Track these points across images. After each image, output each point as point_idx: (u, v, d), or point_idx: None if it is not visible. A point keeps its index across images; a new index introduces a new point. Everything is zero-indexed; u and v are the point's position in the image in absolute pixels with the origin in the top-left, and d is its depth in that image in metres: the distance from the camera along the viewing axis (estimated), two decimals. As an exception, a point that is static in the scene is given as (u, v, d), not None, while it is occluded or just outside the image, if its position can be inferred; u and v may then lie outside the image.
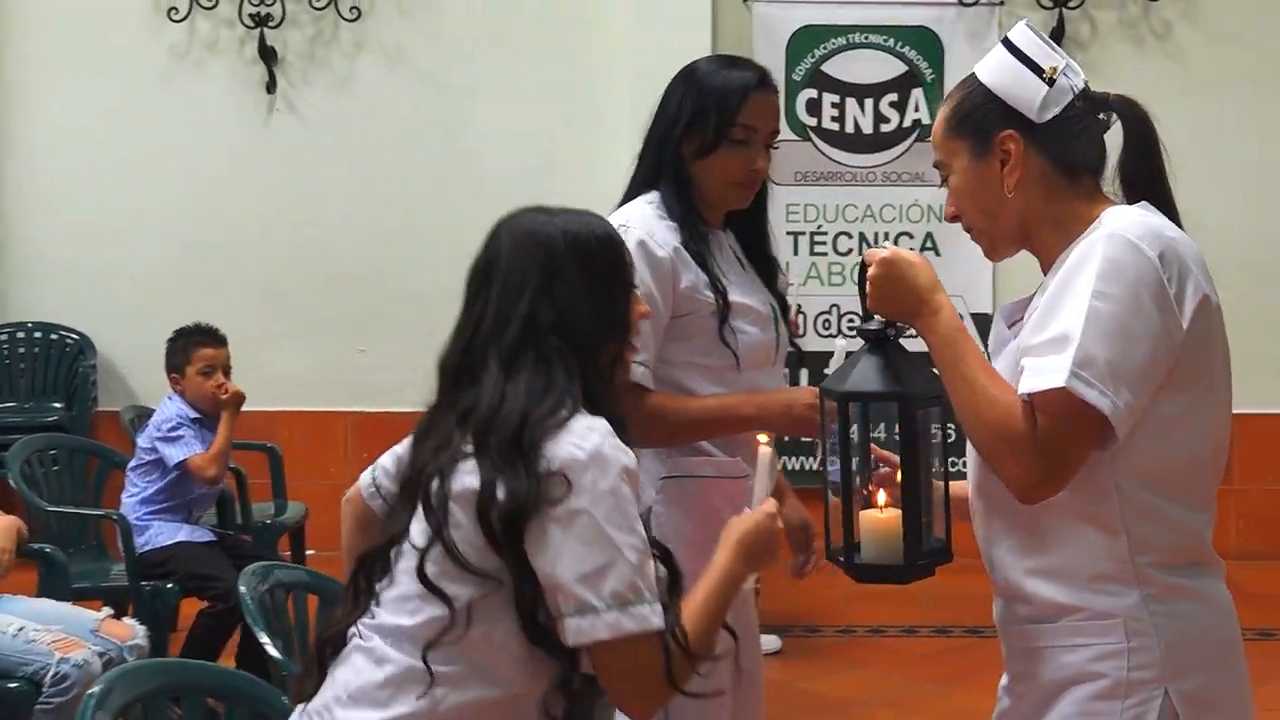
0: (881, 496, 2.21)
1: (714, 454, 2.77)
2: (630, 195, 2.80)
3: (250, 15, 6.81)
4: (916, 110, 6.68)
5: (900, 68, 6.70)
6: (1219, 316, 2.01)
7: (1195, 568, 2.02)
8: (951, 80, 6.62)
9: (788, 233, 6.74)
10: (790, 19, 6.70)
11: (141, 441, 5.00)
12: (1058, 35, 6.56)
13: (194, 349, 5.01)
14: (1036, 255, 2.13)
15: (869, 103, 6.70)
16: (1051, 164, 2.07)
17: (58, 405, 6.86)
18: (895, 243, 6.55)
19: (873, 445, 2.25)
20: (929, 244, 6.71)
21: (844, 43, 6.72)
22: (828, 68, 6.70)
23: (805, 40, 6.70)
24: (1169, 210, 2.07)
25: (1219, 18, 6.71)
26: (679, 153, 2.74)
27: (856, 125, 6.71)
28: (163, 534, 4.84)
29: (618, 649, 1.96)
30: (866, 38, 6.70)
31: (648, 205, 2.74)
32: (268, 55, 6.77)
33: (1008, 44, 2.12)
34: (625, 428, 2.06)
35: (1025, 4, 6.67)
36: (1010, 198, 2.08)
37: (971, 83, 2.14)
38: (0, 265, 7.04)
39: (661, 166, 2.76)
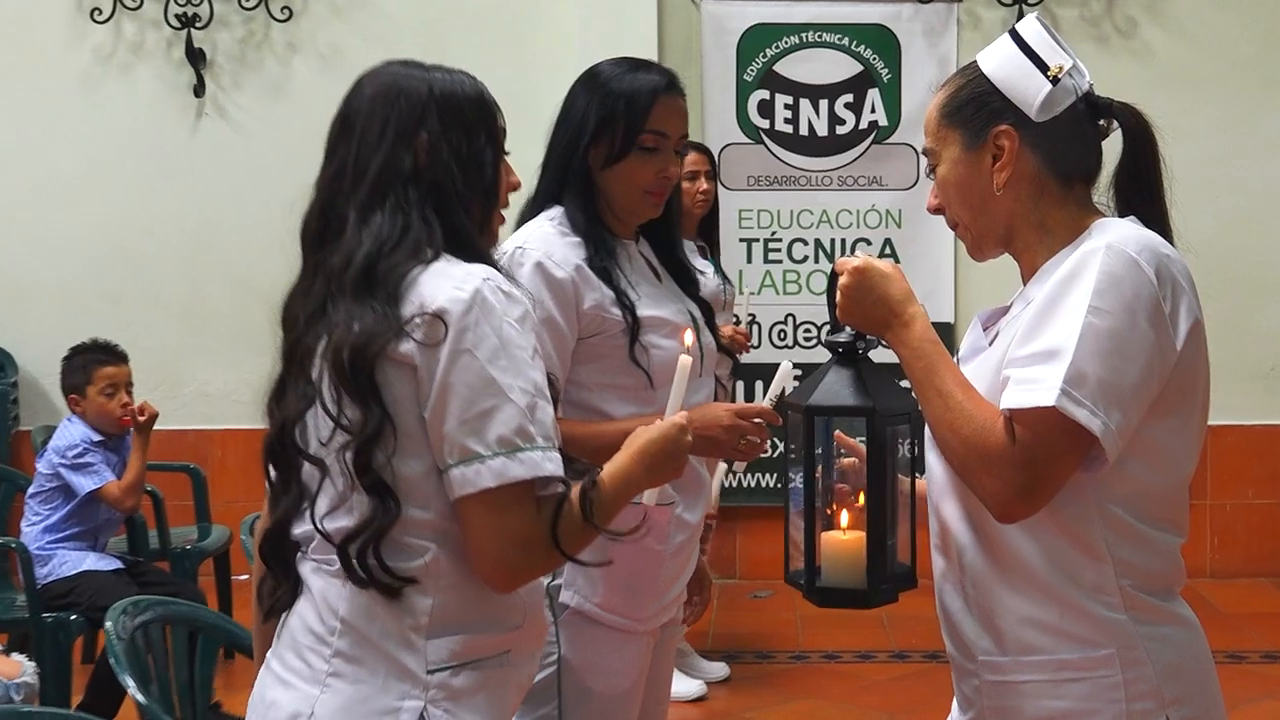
0: (845, 517, 2.14)
1: None
2: (532, 211, 2.72)
3: (177, 16, 6.65)
4: (873, 111, 6.61)
5: (856, 67, 6.62)
6: (1205, 338, 1.99)
7: (1172, 591, 2.00)
8: (909, 80, 6.58)
9: (740, 239, 6.64)
10: (741, 17, 6.61)
11: (42, 467, 4.84)
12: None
13: (94, 368, 4.85)
14: (1017, 259, 2.10)
15: (824, 104, 6.62)
16: (1045, 166, 2.04)
17: (-12, 424, 6.67)
18: (853, 250, 6.49)
19: (840, 458, 2.21)
20: (888, 250, 6.62)
21: (797, 42, 6.62)
22: (780, 68, 6.60)
23: (757, 39, 6.61)
24: (1162, 227, 2.04)
25: (1184, 14, 6.67)
26: (585, 162, 2.68)
27: (811, 127, 6.62)
28: (67, 563, 4.69)
29: (501, 499, 1.88)
30: (820, 36, 6.62)
31: (548, 222, 2.68)
32: (196, 57, 6.62)
33: (1015, 36, 2.08)
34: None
35: (983, 1, 6.59)
36: (999, 195, 2.05)
37: (972, 71, 2.10)
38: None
39: (566, 178, 2.69)
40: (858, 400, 2.09)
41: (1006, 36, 2.09)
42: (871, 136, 6.61)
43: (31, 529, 4.75)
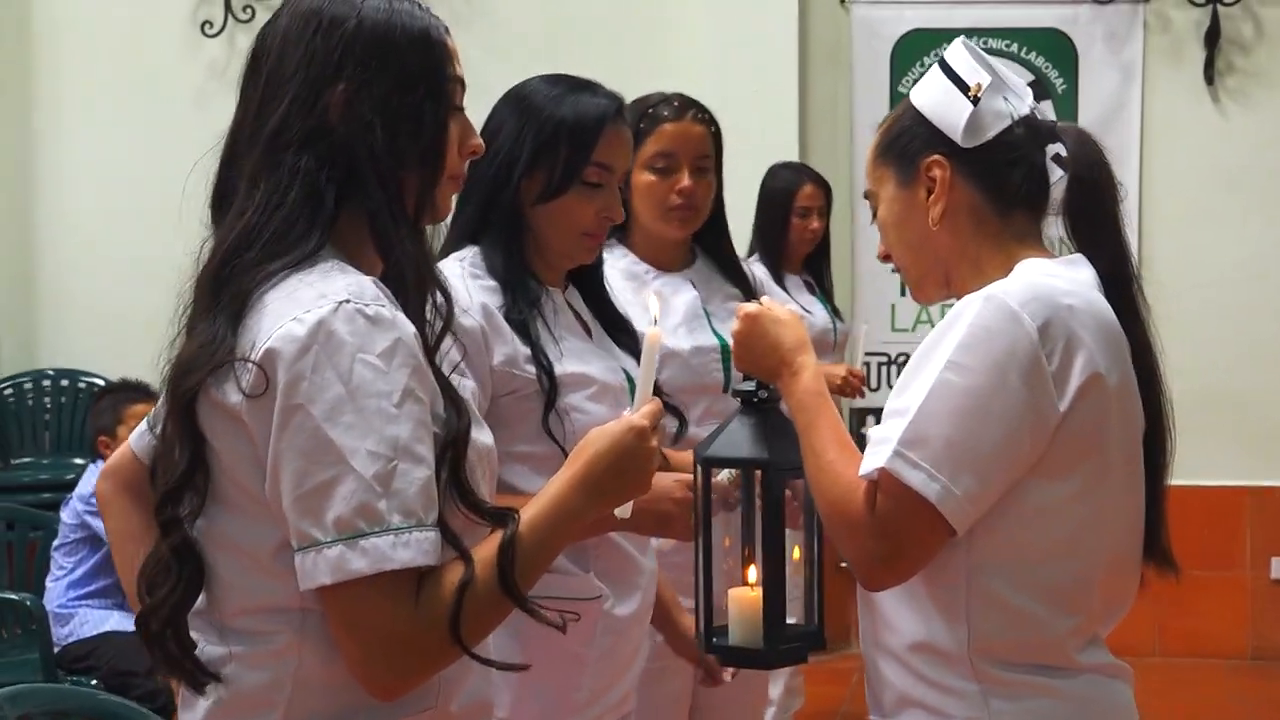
0: (753, 573, 2.18)
1: (558, 568, 2.41)
2: (446, 250, 2.59)
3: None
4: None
5: (1025, 77, 6.28)
6: (1123, 396, 2.00)
7: (1051, 669, 2.00)
8: (1088, 90, 6.48)
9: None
10: (896, 22, 6.57)
11: (66, 516, 4.91)
12: (1213, 37, 6.29)
13: (124, 406, 4.99)
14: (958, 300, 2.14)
15: (989, 118, 6.49)
16: (982, 196, 2.09)
17: (80, 461, 6.94)
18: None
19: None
20: (1061, 282, 6.45)
21: (959, 49, 6.52)
22: (940, 78, 6.50)
23: (914, 46, 6.54)
24: (1116, 263, 2.07)
25: None
26: (515, 197, 2.56)
27: (976, 145, 6.51)
28: (88, 623, 4.76)
29: (348, 595, 1.62)
30: (986, 43, 6.49)
31: (458, 264, 2.55)
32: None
33: (941, 61, 2.15)
34: (435, 294, 1.79)
35: (1174, 0, 6.40)
36: (935, 231, 2.10)
37: (905, 104, 2.18)
38: (31, 307, 7.18)
39: (490, 214, 2.57)
40: (754, 452, 2.15)
41: (935, 64, 2.16)
42: (1044, 154, 6.46)
43: (55, 584, 4.83)
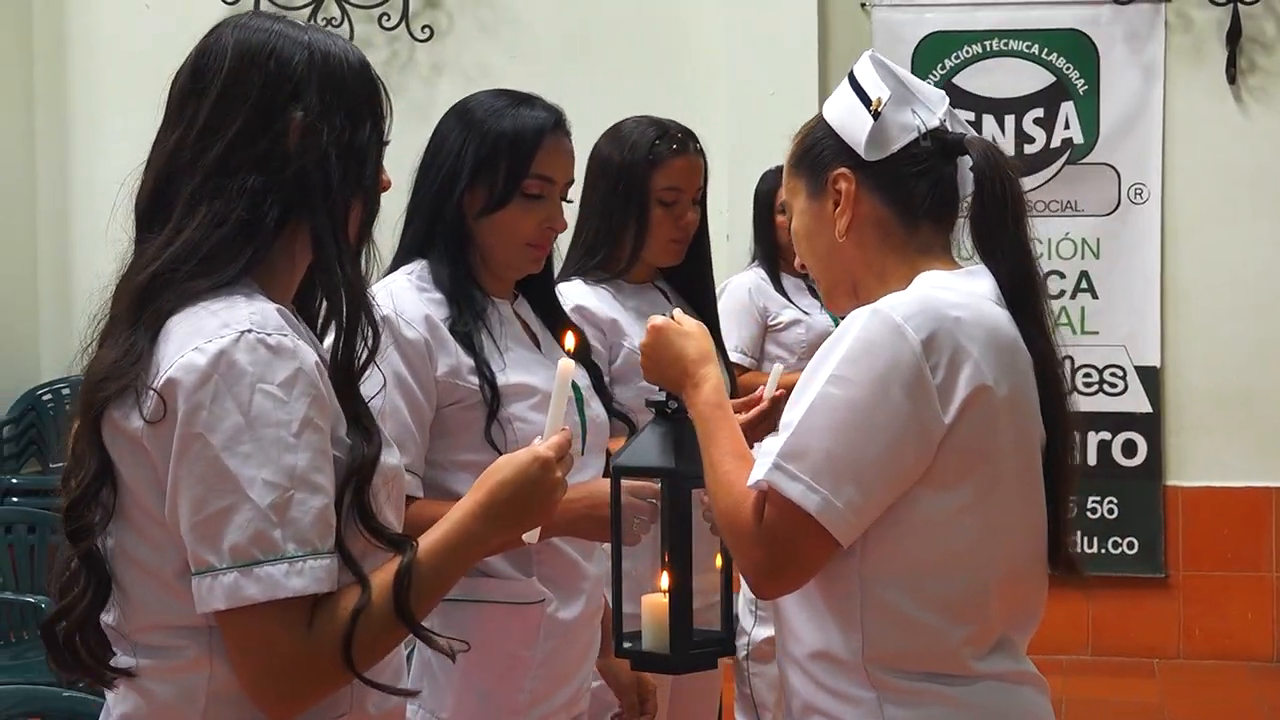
0: (665, 579, 2.30)
1: (500, 571, 2.64)
2: (395, 264, 2.72)
3: (341, 35, 7.12)
4: (1067, 128, 6.65)
5: (1047, 78, 6.67)
6: (1015, 407, 2.05)
7: (946, 677, 2.06)
8: (1109, 91, 6.61)
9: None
10: (917, 24, 6.75)
11: None
12: (1234, 36, 6.43)
13: None
14: None
15: (1010, 119, 6.68)
16: (887, 209, 2.17)
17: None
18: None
19: None
20: (1084, 284, 6.63)
21: (980, 51, 6.71)
22: (962, 80, 6.69)
23: (935, 48, 6.74)
24: (1018, 274, 2.12)
25: None
26: (458, 210, 2.67)
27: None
28: None
29: (242, 621, 1.72)
30: (1007, 44, 6.68)
31: (406, 277, 2.67)
32: (336, 81, 7.06)
33: (850, 74, 2.23)
34: (359, 325, 1.86)
35: (1195, 0, 6.54)
36: (842, 243, 2.18)
37: (817, 117, 2.26)
38: (69, 316, 7.43)
39: (436, 227, 2.69)
40: (661, 461, 2.30)
41: (846, 78, 2.24)
42: (1065, 156, 6.64)
43: None
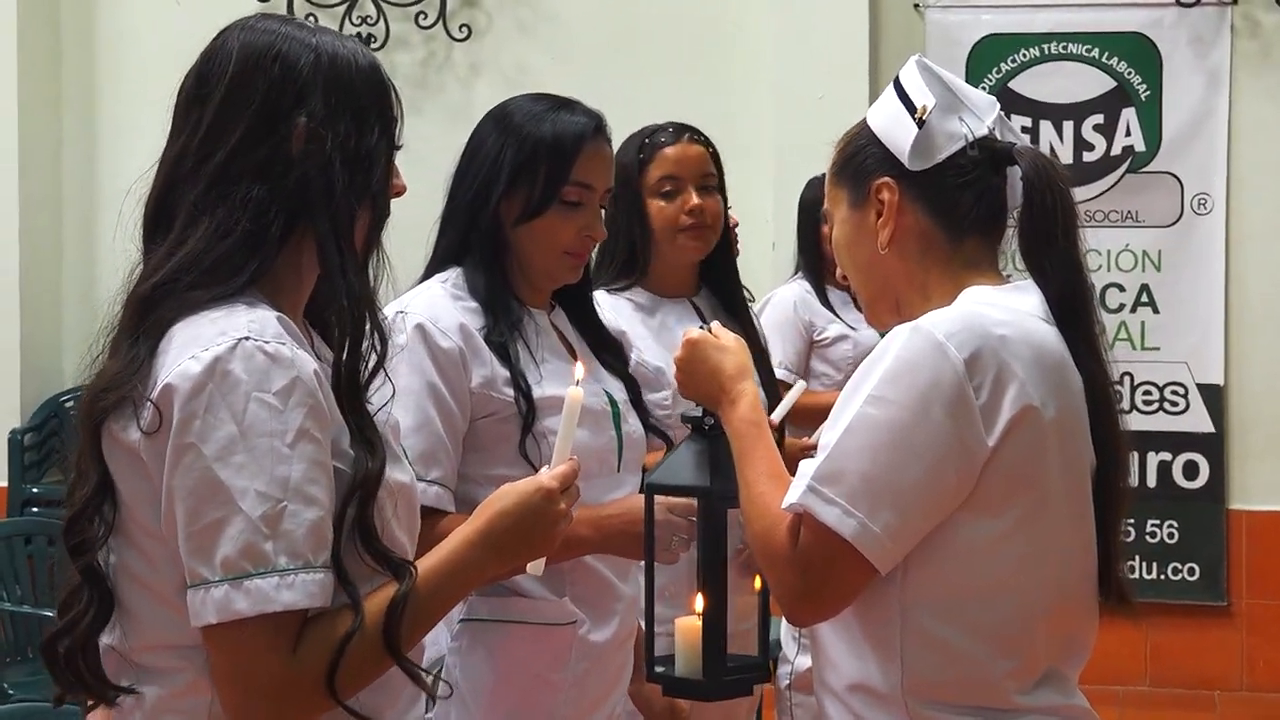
0: (699, 602, 2.29)
1: (530, 591, 2.63)
2: (430, 271, 2.75)
3: (352, 37, 7.14)
4: (1128, 135, 6.60)
5: (1107, 83, 6.63)
6: (1063, 429, 2.04)
7: (988, 711, 2.04)
8: (1172, 97, 6.58)
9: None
10: (972, 27, 6.72)
11: None
12: (1304, 40, 6.37)
13: None
14: None
15: (1069, 126, 6.64)
16: (931, 221, 2.16)
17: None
18: (1101, 299, 6.44)
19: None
20: (1145, 298, 6.58)
21: (1038, 54, 6.68)
22: (1018, 84, 6.66)
23: (990, 52, 6.70)
24: (1068, 290, 2.11)
25: None
26: (495, 217, 2.69)
27: (1053, 153, 6.61)
28: None
29: (230, 637, 1.73)
30: (1066, 48, 6.65)
31: (440, 285, 2.70)
32: (371, 81, 7.07)
33: (895, 80, 2.22)
34: (366, 335, 1.86)
35: (1262, 3, 6.49)
36: (884, 255, 2.17)
37: (861, 123, 2.25)
38: (93, 321, 7.43)
39: (471, 234, 2.71)
40: (696, 480, 2.30)
41: (891, 84, 2.23)
42: (1126, 164, 6.59)
43: None
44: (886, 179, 2.15)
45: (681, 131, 3.47)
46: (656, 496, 2.45)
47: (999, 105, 2.23)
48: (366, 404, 1.88)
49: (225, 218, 1.81)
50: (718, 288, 3.54)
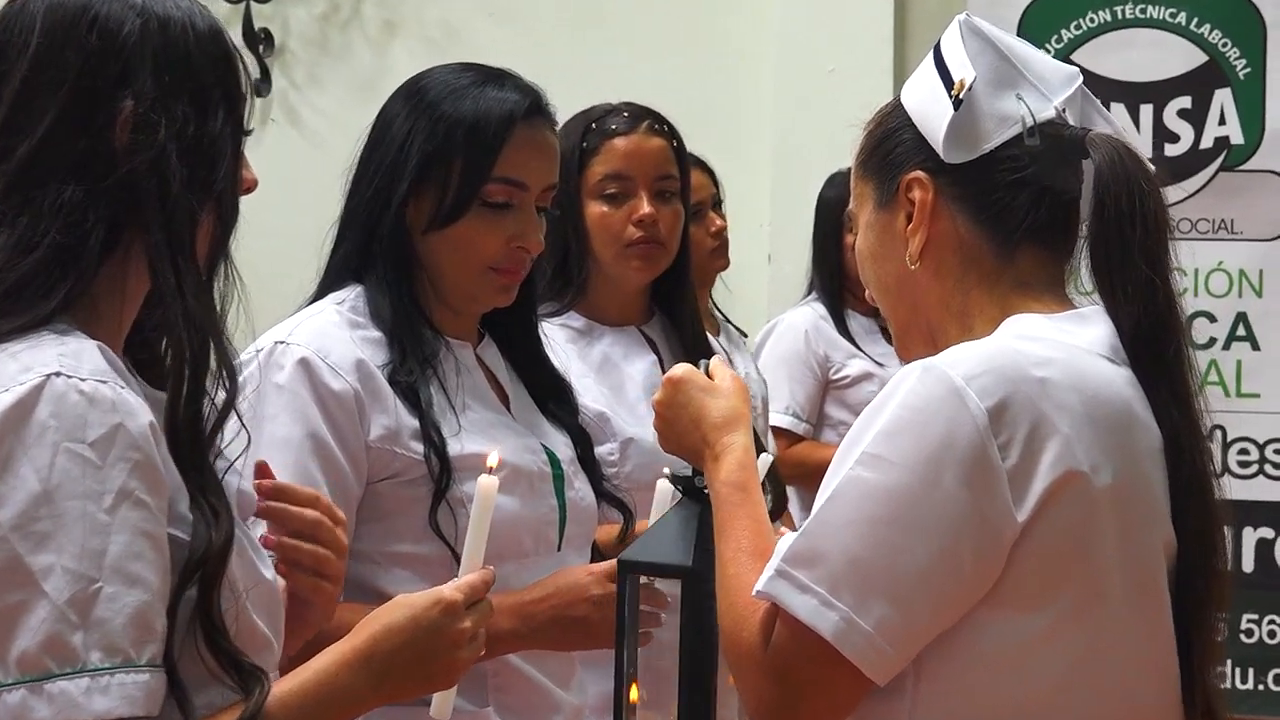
0: (680, 709, 2.35)
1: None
2: (323, 290, 2.75)
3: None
4: (1222, 123, 6.62)
5: (1197, 57, 6.65)
6: (1123, 500, 2.02)
7: None
8: (1277, 76, 6.55)
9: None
10: (1024, -12, 6.72)
11: None
12: None
13: None
14: None
15: (1147, 111, 6.66)
16: (975, 228, 2.15)
17: None
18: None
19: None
20: (1241, 330, 6.60)
21: (1108, 20, 6.71)
22: (1082, 58, 6.64)
23: (1045, 18, 6.72)
24: (1144, 319, 2.08)
25: None
26: (400, 221, 2.69)
27: (1127, 145, 6.64)
28: None
29: None
30: (1144, 12, 6.69)
31: (335, 308, 2.68)
32: (258, 42, 7.06)
33: (935, 47, 2.24)
34: (205, 371, 1.85)
35: (1394, -41, 6.53)
36: (914, 271, 2.16)
37: (894, 102, 2.27)
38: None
39: (373, 243, 2.70)
40: (676, 556, 2.31)
41: (931, 52, 2.25)
42: (1220, 159, 6.61)
43: None
44: (918, 173, 2.15)
45: (639, 118, 3.48)
46: (594, 566, 2.53)
47: (1080, 78, 2.21)
48: (213, 460, 1.86)
49: (29, 228, 1.80)
50: (671, 313, 3.52)
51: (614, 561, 2.52)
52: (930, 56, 2.22)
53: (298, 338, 2.63)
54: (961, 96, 2.12)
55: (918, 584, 1.94)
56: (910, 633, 1.95)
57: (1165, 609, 2.08)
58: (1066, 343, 2.05)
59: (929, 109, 2.16)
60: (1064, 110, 2.16)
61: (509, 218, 2.69)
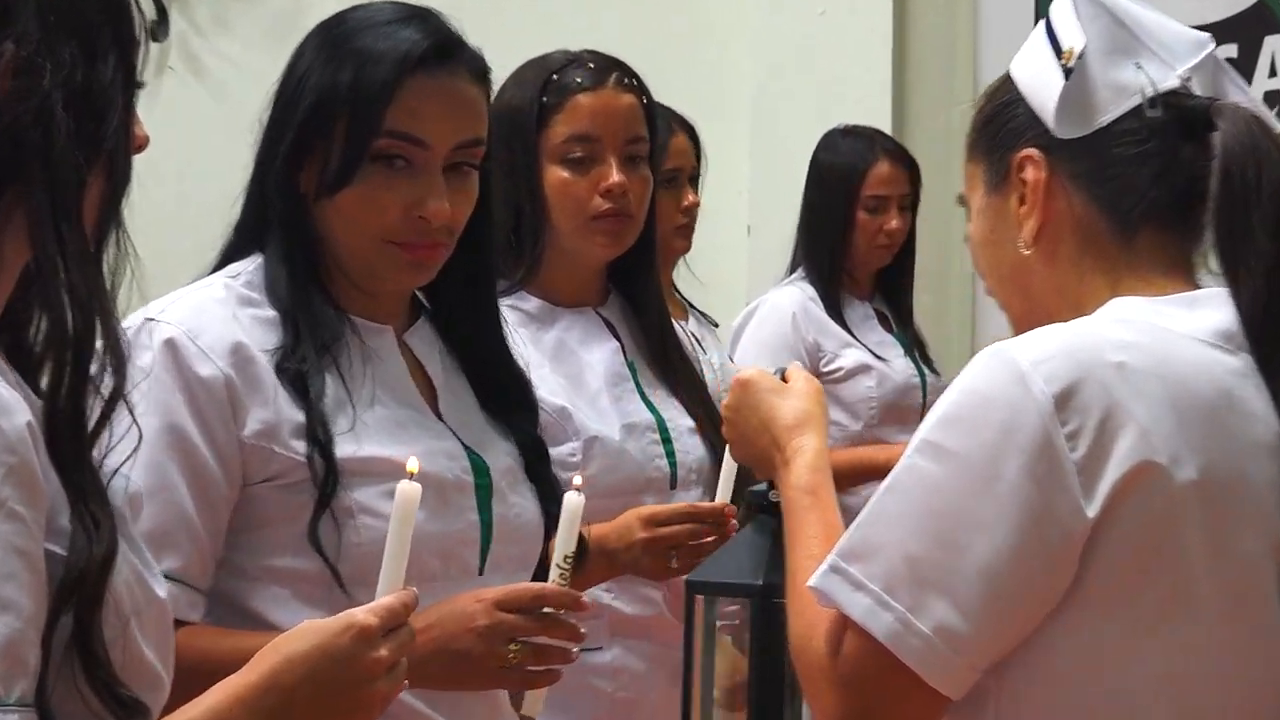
0: None
1: None
2: (222, 263, 2.73)
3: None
4: (1273, 74, 6.55)
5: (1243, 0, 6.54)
6: (1212, 497, 2.05)
7: None
8: (1340, 23, 6.53)
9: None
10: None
11: None
12: None
13: None
14: None
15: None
16: (1093, 207, 2.22)
17: None
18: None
19: None
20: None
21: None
22: (1112, -1, 6.53)
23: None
24: (1265, 302, 2.13)
25: None
26: (291, 182, 2.64)
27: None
28: None
29: None
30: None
31: (226, 283, 2.67)
32: (153, -21, 6.88)
33: (1047, 15, 2.30)
34: (89, 356, 1.79)
35: None
36: (1028, 257, 2.24)
37: (1005, 76, 2.34)
38: None
39: (269, 210, 2.68)
40: (746, 575, 2.39)
41: (1043, 20, 2.31)
42: (1271, 115, 6.43)
43: None
44: (1031, 151, 2.22)
45: (606, 70, 3.42)
46: (506, 589, 2.53)
47: (1211, 45, 2.25)
48: (95, 462, 1.80)
49: None
50: (632, 294, 3.52)
51: (509, 587, 2.57)
52: (1042, 25, 2.28)
53: (170, 315, 2.59)
54: (1071, 65, 2.19)
55: (980, 584, 2.00)
56: (976, 639, 2.01)
57: (1273, 616, 2.09)
58: (1160, 325, 2.11)
59: (1039, 81, 2.24)
60: (1189, 79, 2.21)
61: (405, 181, 2.61)
